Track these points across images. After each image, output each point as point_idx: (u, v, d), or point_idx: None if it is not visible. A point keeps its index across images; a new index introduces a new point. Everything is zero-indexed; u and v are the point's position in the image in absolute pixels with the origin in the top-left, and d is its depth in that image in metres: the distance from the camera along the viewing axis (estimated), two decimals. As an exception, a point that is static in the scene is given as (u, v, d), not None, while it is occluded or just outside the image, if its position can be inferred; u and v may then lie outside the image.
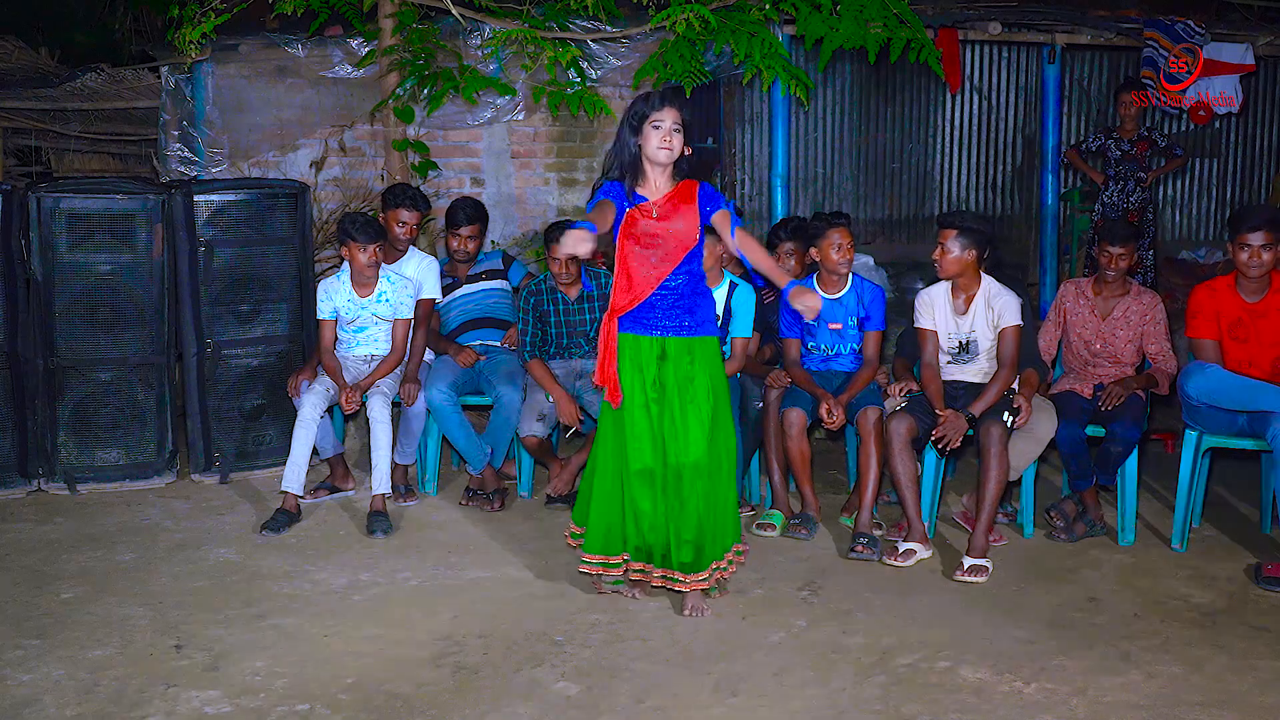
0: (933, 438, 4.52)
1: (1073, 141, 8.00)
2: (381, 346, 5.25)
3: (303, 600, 4.06)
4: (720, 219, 3.95)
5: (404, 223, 5.37)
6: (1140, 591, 4.18)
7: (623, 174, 3.97)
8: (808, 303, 3.82)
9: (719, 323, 5.06)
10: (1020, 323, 4.62)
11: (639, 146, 3.93)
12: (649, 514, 3.96)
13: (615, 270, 4.02)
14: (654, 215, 3.95)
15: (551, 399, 5.16)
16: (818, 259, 4.93)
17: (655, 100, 3.93)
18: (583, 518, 4.19)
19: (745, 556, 4.23)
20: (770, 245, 5.41)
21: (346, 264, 5.15)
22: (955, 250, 4.59)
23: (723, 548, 4.02)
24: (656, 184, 3.97)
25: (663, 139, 3.89)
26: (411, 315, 5.22)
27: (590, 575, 4.12)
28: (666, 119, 3.89)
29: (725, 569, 4.04)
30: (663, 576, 3.99)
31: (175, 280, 5.45)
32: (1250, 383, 4.44)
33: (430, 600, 4.05)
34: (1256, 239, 4.47)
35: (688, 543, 3.93)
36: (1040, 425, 4.65)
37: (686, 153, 3.97)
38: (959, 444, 4.48)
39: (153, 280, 5.39)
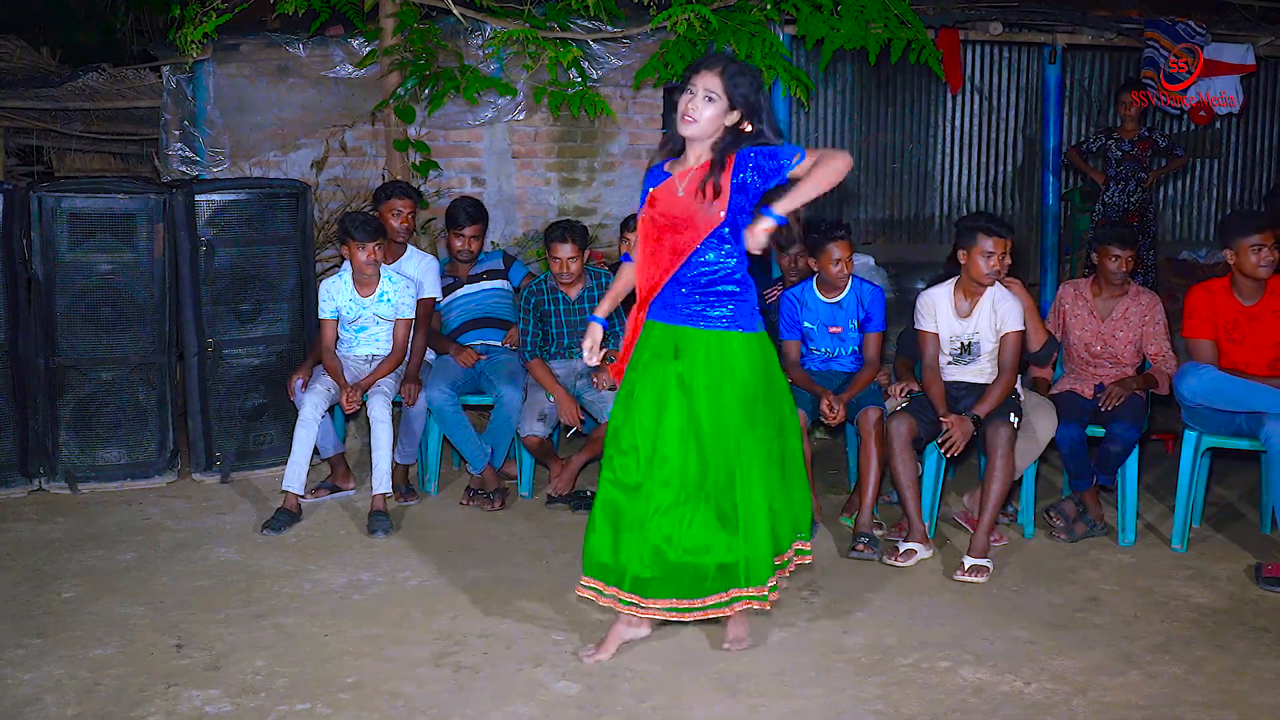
0: (939, 443, 4.52)
1: (1074, 142, 8.00)
2: (382, 346, 5.26)
3: (303, 600, 4.06)
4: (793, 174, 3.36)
5: (399, 212, 5.38)
6: (1140, 592, 4.18)
7: (665, 149, 3.54)
8: (759, 229, 3.33)
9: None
10: (1022, 328, 4.62)
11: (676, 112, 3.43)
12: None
13: (636, 253, 3.64)
14: (674, 190, 3.46)
15: (552, 399, 5.16)
16: (816, 269, 4.92)
17: (702, 60, 3.42)
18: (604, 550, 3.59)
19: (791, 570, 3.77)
20: (779, 248, 5.42)
21: (347, 263, 5.16)
22: (1005, 254, 4.56)
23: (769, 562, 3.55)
24: (691, 159, 3.47)
25: (687, 105, 3.37)
26: (412, 315, 5.22)
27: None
28: (697, 84, 3.37)
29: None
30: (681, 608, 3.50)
31: (176, 280, 5.45)
32: (1245, 383, 4.44)
33: (430, 600, 4.06)
34: (1264, 239, 4.47)
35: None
36: (1040, 425, 4.66)
37: (744, 128, 3.40)
38: (963, 447, 4.48)
39: (154, 280, 5.40)
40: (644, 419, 3.50)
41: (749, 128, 3.42)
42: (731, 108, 3.39)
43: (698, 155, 3.46)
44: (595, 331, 3.72)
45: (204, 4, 6.09)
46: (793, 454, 3.71)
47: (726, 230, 3.44)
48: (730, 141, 3.42)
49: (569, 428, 5.21)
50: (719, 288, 3.48)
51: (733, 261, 3.48)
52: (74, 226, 5.27)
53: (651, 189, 3.51)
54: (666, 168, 3.53)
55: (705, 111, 3.37)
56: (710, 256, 3.45)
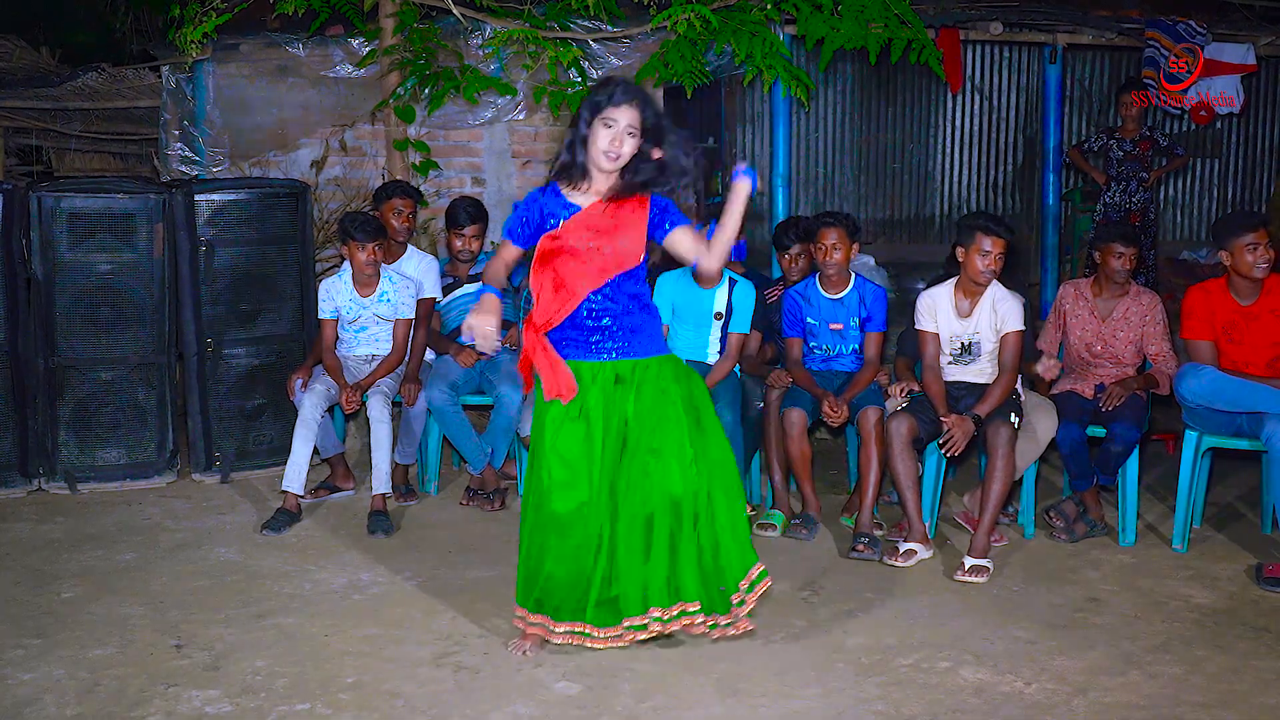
0: (939, 443, 4.52)
1: (1074, 142, 8.01)
2: (382, 346, 5.26)
3: (303, 600, 4.06)
4: (681, 238, 3.48)
5: (399, 211, 5.39)
6: (1141, 592, 4.18)
7: (561, 172, 3.49)
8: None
9: (722, 320, 5.07)
10: (1023, 328, 4.62)
11: (584, 142, 3.40)
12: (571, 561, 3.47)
13: (532, 284, 3.55)
14: (588, 225, 3.43)
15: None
16: (816, 261, 4.94)
17: (616, 92, 3.38)
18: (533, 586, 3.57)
19: (763, 587, 3.62)
20: (780, 247, 5.43)
21: (347, 263, 5.16)
22: (1003, 255, 4.57)
23: (734, 579, 3.54)
24: (597, 190, 3.46)
25: (612, 141, 3.37)
26: (412, 315, 5.22)
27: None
28: (621, 118, 3.36)
29: (739, 606, 3.55)
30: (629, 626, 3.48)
31: (176, 280, 5.45)
32: (1245, 383, 4.44)
33: (430, 600, 4.05)
34: (1258, 238, 4.47)
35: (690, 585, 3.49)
36: (1041, 426, 4.66)
37: (651, 154, 3.42)
38: (963, 447, 4.48)
39: (153, 280, 5.39)
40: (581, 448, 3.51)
41: (658, 154, 3.44)
42: (644, 139, 3.43)
43: (605, 186, 3.47)
44: (490, 303, 3.48)
45: (204, 4, 6.09)
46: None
47: (642, 268, 3.51)
48: (640, 168, 3.44)
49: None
50: (643, 315, 3.54)
51: (637, 294, 3.53)
52: (74, 226, 5.26)
53: (564, 220, 3.46)
54: (568, 195, 3.49)
55: (626, 147, 3.39)
56: (622, 290, 3.49)
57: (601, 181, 3.47)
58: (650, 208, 3.49)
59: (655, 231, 3.51)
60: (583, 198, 3.48)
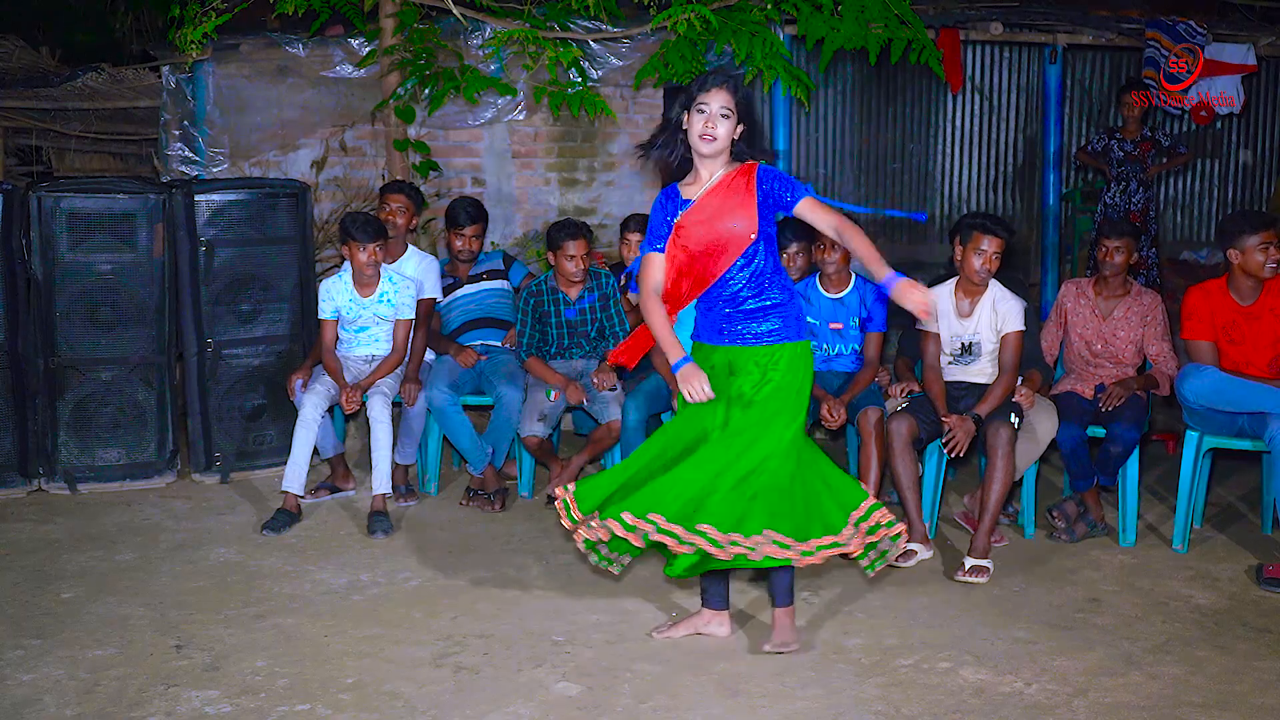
0: (943, 443, 4.52)
1: (1076, 143, 8.02)
2: (382, 346, 5.25)
3: (303, 600, 4.06)
4: (807, 208, 3.45)
5: (400, 210, 5.40)
6: (1141, 592, 4.18)
7: (673, 174, 3.56)
8: (915, 299, 3.33)
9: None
10: (1023, 328, 4.62)
11: (685, 135, 3.47)
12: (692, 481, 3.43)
13: (667, 281, 3.61)
14: (700, 215, 3.49)
15: (553, 395, 5.15)
16: (817, 263, 4.94)
17: (707, 79, 3.46)
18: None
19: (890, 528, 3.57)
20: (779, 246, 5.42)
21: (348, 264, 5.16)
22: (999, 256, 4.57)
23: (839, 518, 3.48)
24: (705, 177, 3.52)
25: (706, 125, 3.42)
26: (412, 315, 5.22)
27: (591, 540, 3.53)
28: (713, 102, 3.42)
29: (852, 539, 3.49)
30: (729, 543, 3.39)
31: (176, 280, 5.45)
32: (1247, 384, 4.44)
33: (430, 600, 4.05)
34: (1268, 237, 4.47)
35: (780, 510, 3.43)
36: (1041, 426, 4.65)
37: (736, 133, 3.48)
38: (965, 448, 4.48)
39: (153, 280, 5.39)
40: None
41: (740, 129, 3.50)
42: (739, 121, 3.48)
43: (711, 172, 3.52)
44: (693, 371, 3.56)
45: (204, 4, 6.09)
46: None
47: (762, 245, 3.49)
48: (740, 150, 3.51)
49: (573, 407, 5.24)
50: (762, 301, 3.51)
51: (765, 273, 3.51)
52: (74, 226, 5.26)
53: (676, 218, 3.53)
54: (684, 193, 3.56)
55: (722, 129, 3.43)
56: (746, 274, 3.50)
57: (705, 168, 3.51)
58: (759, 182, 3.47)
59: (778, 205, 3.48)
60: (695, 190, 3.53)
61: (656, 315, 3.59)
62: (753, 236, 3.47)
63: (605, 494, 3.53)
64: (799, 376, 3.53)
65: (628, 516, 3.40)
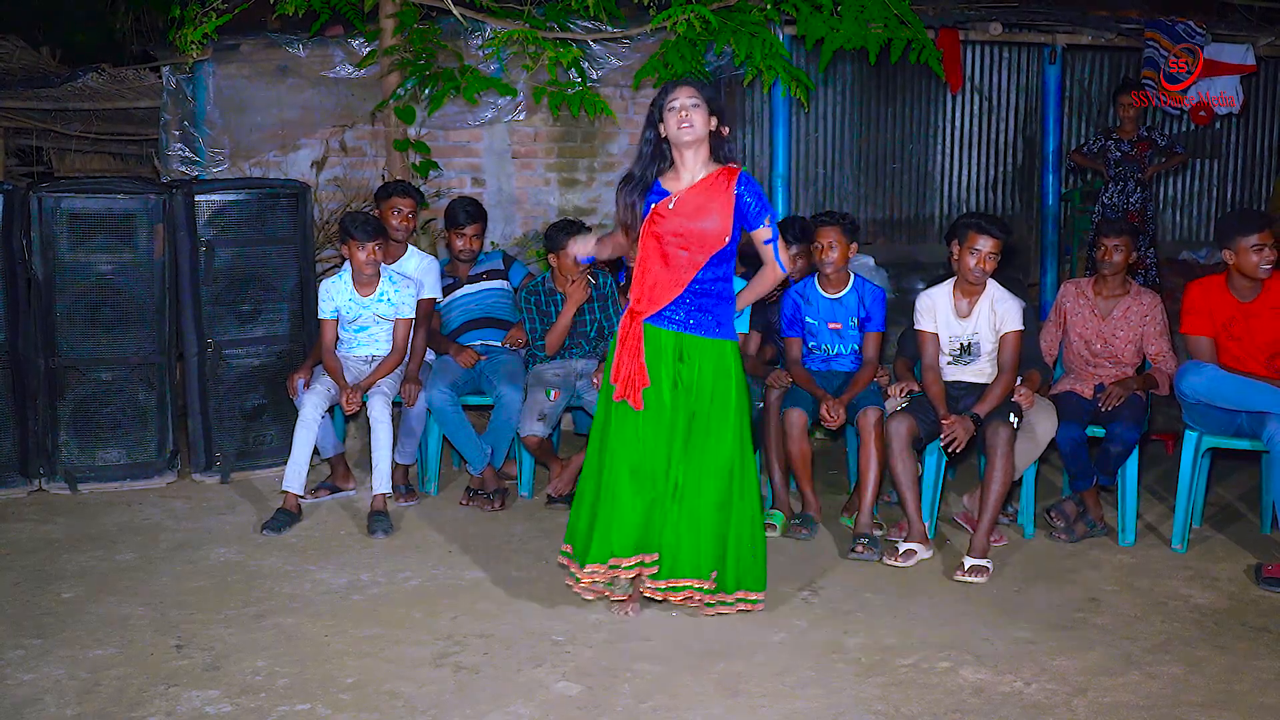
0: (941, 442, 4.52)
1: (1074, 144, 8.01)
2: (382, 346, 5.26)
3: (303, 600, 4.06)
4: (758, 237, 3.73)
5: (400, 211, 5.39)
6: (1141, 592, 4.18)
7: (644, 172, 3.76)
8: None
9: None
10: (1022, 328, 4.62)
11: (661, 136, 3.71)
12: (630, 513, 3.74)
13: (635, 266, 3.83)
14: (679, 210, 3.69)
15: (552, 394, 5.15)
16: (815, 262, 4.94)
17: (667, 86, 3.74)
18: (578, 530, 3.92)
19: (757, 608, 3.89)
20: None
21: (348, 263, 5.16)
22: (995, 256, 4.58)
23: (739, 583, 3.83)
24: (688, 173, 3.73)
25: (680, 118, 3.64)
26: (412, 315, 5.22)
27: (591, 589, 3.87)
28: (680, 97, 3.66)
29: (731, 605, 3.84)
30: (666, 588, 3.79)
31: (176, 280, 5.45)
32: (1245, 382, 4.44)
33: (430, 600, 4.06)
34: (1263, 238, 4.47)
35: (707, 554, 3.77)
36: (1040, 426, 4.66)
37: (723, 132, 3.72)
38: (964, 446, 4.48)
39: (154, 280, 5.40)
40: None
41: (725, 130, 3.75)
42: (711, 113, 3.70)
43: (693, 171, 3.73)
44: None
45: (204, 4, 6.09)
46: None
47: (731, 246, 3.75)
48: (718, 146, 3.74)
49: (573, 406, 5.32)
50: (721, 298, 3.77)
51: (727, 278, 3.79)
52: (74, 226, 5.27)
53: (655, 204, 3.73)
54: (664, 184, 3.75)
55: (696, 116, 3.66)
56: (715, 272, 3.74)
57: (688, 163, 3.73)
58: (738, 184, 3.69)
59: (743, 214, 3.72)
60: (675, 184, 3.75)
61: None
62: (725, 240, 3.71)
63: (583, 538, 3.85)
64: (738, 374, 3.81)
65: (596, 568, 3.78)
